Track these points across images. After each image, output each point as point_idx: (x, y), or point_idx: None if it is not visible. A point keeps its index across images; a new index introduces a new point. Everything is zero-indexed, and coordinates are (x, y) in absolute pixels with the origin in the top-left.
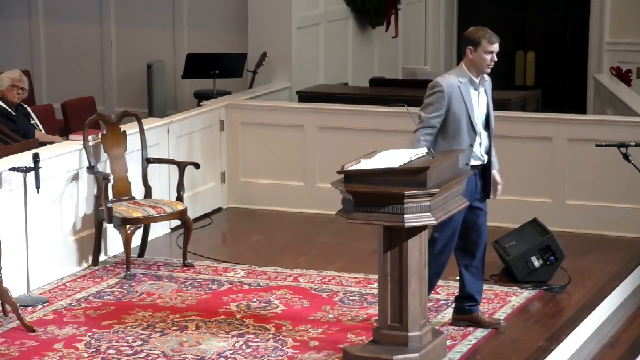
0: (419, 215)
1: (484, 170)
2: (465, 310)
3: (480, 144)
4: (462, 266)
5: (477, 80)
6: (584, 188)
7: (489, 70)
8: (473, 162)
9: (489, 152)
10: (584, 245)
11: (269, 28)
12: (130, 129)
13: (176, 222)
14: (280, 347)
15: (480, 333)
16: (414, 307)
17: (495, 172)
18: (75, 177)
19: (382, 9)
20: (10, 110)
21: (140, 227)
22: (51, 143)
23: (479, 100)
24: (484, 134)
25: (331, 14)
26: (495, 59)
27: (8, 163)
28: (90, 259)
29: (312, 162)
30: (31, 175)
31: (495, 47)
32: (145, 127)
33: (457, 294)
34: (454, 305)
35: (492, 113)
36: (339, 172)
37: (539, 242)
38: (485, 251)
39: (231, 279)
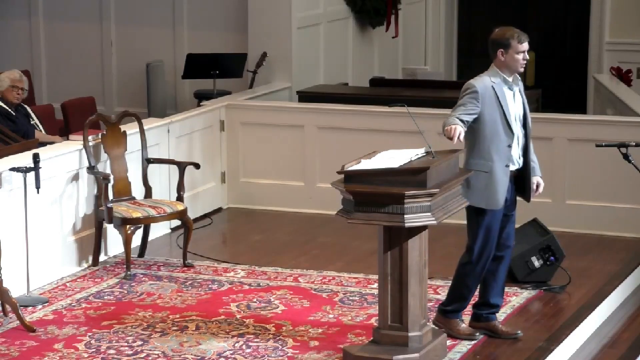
0: (419, 215)
1: (519, 175)
2: (483, 318)
3: (518, 145)
4: (489, 273)
5: (510, 80)
6: (584, 188)
7: (522, 70)
8: (510, 166)
9: (525, 155)
10: (584, 245)
11: (269, 28)
12: (130, 129)
13: (176, 222)
14: (280, 347)
15: (480, 333)
16: (414, 307)
17: (538, 179)
18: (75, 177)
19: (382, 9)
20: (10, 110)
21: (140, 227)
22: (51, 143)
23: (515, 100)
24: (521, 135)
25: (331, 14)
26: (527, 57)
27: (8, 163)
28: (90, 259)
29: (312, 162)
30: (31, 175)
31: (526, 45)
32: (145, 127)
33: (476, 301)
34: (471, 312)
35: (529, 113)
36: (339, 172)
37: (539, 242)
38: (510, 258)
39: (231, 279)
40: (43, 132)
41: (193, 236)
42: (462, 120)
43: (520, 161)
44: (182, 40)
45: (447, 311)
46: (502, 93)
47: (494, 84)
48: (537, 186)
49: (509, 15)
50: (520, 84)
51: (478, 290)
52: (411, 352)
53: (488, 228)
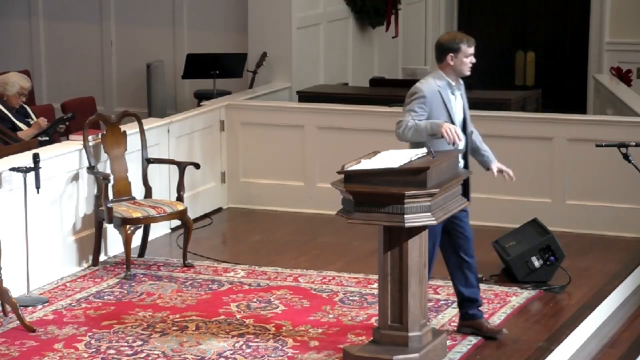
0: (419, 215)
1: None
2: (469, 316)
3: (458, 146)
4: (455, 269)
5: (454, 84)
6: (584, 188)
7: (468, 73)
8: None
9: (465, 157)
10: (584, 245)
11: (269, 28)
12: (130, 129)
13: (176, 222)
14: (280, 347)
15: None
16: (414, 307)
17: (498, 164)
18: (75, 177)
19: (382, 9)
20: (6, 112)
21: (140, 227)
22: (41, 135)
23: (456, 104)
24: (462, 140)
25: (331, 14)
26: (474, 60)
27: (8, 163)
28: (90, 259)
29: (312, 162)
30: (31, 175)
31: (473, 49)
32: (145, 127)
33: (456, 300)
34: (458, 312)
35: (469, 115)
36: (339, 172)
37: (539, 242)
38: (472, 250)
39: (231, 279)
40: (25, 127)
41: (193, 236)
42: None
43: (462, 162)
44: (182, 40)
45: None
46: (448, 97)
47: (440, 88)
48: (501, 171)
49: (509, 15)
50: (462, 87)
51: (454, 288)
52: (411, 352)
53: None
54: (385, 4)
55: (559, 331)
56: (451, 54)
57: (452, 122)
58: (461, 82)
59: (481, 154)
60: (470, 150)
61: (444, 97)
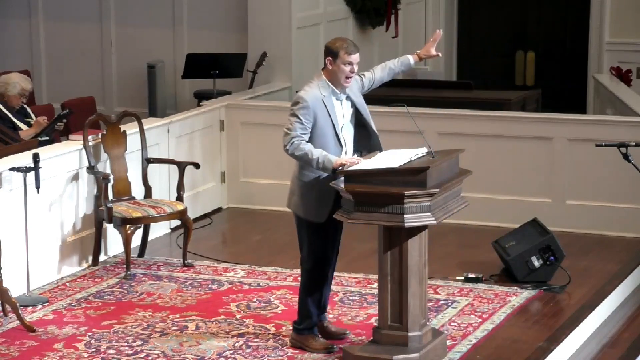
0: (419, 215)
1: None
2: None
3: (346, 153)
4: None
5: (338, 91)
6: (584, 188)
7: (348, 85)
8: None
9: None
10: (584, 245)
11: (269, 28)
12: (130, 129)
13: (176, 222)
14: (280, 347)
15: (480, 333)
16: (414, 307)
17: (415, 54)
18: (75, 177)
19: (382, 9)
20: (6, 112)
21: (140, 227)
22: (40, 135)
23: (343, 110)
24: (350, 144)
25: (331, 14)
26: (355, 70)
27: (8, 163)
28: (90, 259)
29: None
30: (31, 175)
31: (354, 57)
32: (145, 127)
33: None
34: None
35: (367, 114)
36: (339, 173)
37: (539, 242)
38: (336, 262)
39: (231, 279)
40: (25, 127)
41: (193, 236)
42: (301, 137)
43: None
44: (182, 40)
45: (300, 329)
46: (332, 105)
47: (324, 97)
48: (427, 52)
49: (509, 15)
50: (355, 85)
51: None
52: (411, 352)
53: (319, 235)
54: (385, 4)
55: (559, 331)
56: (330, 58)
57: (336, 131)
58: (353, 86)
59: (396, 68)
60: (396, 74)
61: (328, 106)
